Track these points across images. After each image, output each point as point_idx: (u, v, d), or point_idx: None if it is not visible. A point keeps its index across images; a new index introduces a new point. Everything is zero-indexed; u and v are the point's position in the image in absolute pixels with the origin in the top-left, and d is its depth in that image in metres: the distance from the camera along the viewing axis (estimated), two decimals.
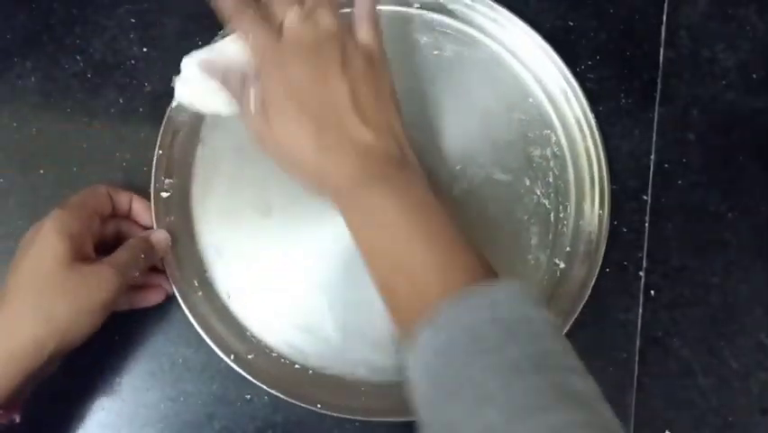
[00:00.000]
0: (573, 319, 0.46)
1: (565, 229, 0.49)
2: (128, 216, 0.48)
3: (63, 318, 0.39)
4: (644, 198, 0.51)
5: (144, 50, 0.52)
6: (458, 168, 0.50)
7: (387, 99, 0.41)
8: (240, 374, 0.46)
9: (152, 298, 0.47)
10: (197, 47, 0.52)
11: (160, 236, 0.46)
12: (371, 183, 0.38)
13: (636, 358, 0.48)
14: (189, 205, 0.49)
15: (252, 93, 0.41)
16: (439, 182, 0.49)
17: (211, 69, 0.43)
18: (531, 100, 0.51)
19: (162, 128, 0.49)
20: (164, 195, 0.48)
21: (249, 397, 0.47)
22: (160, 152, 0.48)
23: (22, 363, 0.38)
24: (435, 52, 0.52)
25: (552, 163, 0.50)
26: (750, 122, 0.52)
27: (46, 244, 0.40)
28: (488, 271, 0.36)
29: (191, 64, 0.44)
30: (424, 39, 0.52)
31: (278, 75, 0.40)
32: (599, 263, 0.48)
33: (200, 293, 0.47)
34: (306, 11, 0.41)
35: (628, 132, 0.52)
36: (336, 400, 0.45)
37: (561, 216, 0.49)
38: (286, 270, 0.48)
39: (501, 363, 0.31)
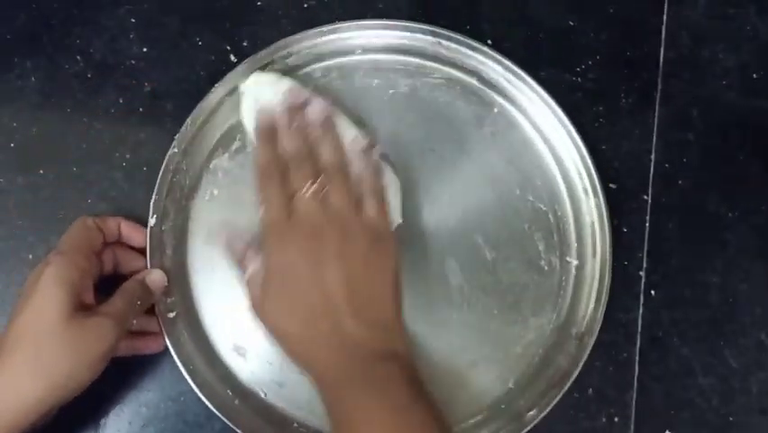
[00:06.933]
0: (603, 315, 0.46)
1: (567, 226, 0.49)
2: (120, 242, 0.47)
3: (63, 374, 0.39)
4: (645, 197, 0.51)
5: (144, 49, 0.52)
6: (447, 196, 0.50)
7: (385, 288, 0.41)
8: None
9: (153, 345, 0.46)
10: (197, 47, 0.52)
11: (154, 277, 0.45)
12: (353, 381, 0.38)
13: (637, 358, 0.49)
14: (185, 247, 0.48)
15: (251, 268, 0.42)
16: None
17: (218, 237, 0.45)
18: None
19: (160, 175, 0.48)
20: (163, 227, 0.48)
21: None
22: (156, 196, 0.47)
23: (22, 418, 0.38)
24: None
25: (534, 164, 0.50)
26: (750, 122, 0.52)
27: (46, 297, 0.39)
28: None
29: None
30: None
31: (278, 256, 0.41)
32: (610, 252, 0.47)
33: (192, 345, 0.47)
34: (316, 187, 0.42)
35: (628, 132, 0.52)
36: None
37: (558, 214, 0.49)
38: None
39: None
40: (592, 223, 0.49)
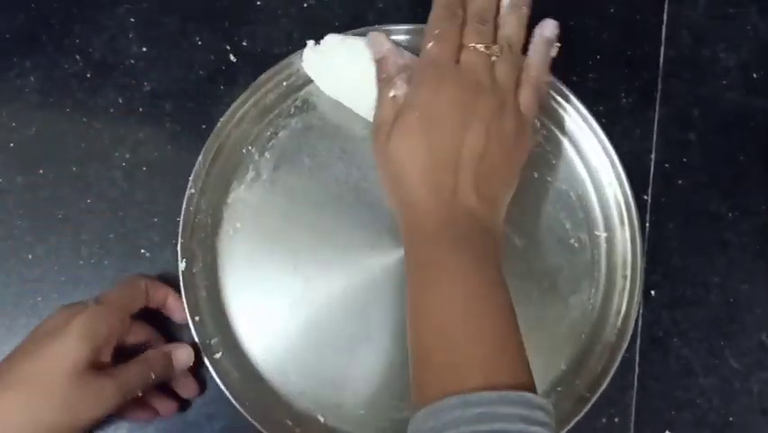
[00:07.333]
0: (642, 282, 0.47)
1: (590, 201, 0.49)
2: (159, 309, 0.46)
3: (52, 427, 0.38)
4: (645, 197, 0.51)
5: (144, 49, 0.52)
6: None
7: (509, 173, 0.42)
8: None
9: (142, 415, 0.45)
10: (197, 47, 0.52)
11: (181, 354, 0.44)
12: (452, 241, 0.38)
13: (637, 358, 0.48)
14: (219, 286, 0.48)
15: (396, 91, 0.43)
16: None
17: (380, 44, 0.45)
18: None
19: (182, 217, 0.47)
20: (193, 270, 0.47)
21: None
22: (182, 240, 0.47)
23: None
24: None
25: (547, 147, 0.50)
26: (751, 122, 0.52)
27: (65, 348, 0.38)
28: (528, 379, 0.36)
29: (335, 41, 0.47)
30: None
31: (428, 93, 0.41)
32: (638, 218, 0.48)
33: (243, 382, 0.46)
34: (490, 52, 0.42)
35: (629, 131, 0.52)
36: None
37: (580, 191, 0.49)
38: (311, 329, 0.48)
39: None
40: (615, 194, 0.49)
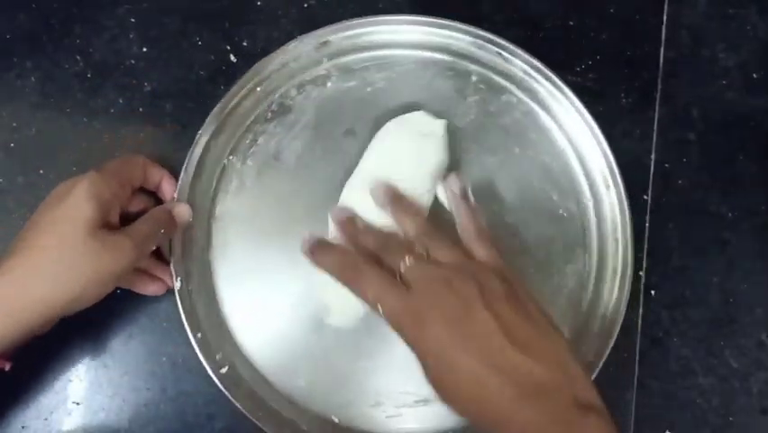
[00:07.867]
0: (633, 243, 0.48)
1: (574, 170, 0.50)
2: (154, 192, 0.47)
3: (76, 286, 0.39)
4: (645, 197, 0.51)
5: (144, 49, 0.52)
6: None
7: (541, 320, 0.38)
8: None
9: (152, 288, 0.46)
10: (197, 47, 0.52)
11: (181, 209, 0.46)
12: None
13: (637, 358, 0.49)
14: (217, 302, 0.48)
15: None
16: None
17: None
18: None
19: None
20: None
21: None
22: (173, 259, 0.47)
23: (27, 321, 0.38)
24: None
25: (526, 122, 0.50)
26: (750, 121, 0.52)
27: (76, 208, 0.40)
28: None
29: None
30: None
31: (423, 343, 0.37)
32: (622, 179, 0.48)
33: (254, 393, 0.46)
34: (419, 252, 0.40)
35: (629, 131, 0.52)
36: None
37: (562, 161, 0.50)
38: (309, 328, 0.48)
39: None
40: (596, 159, 0.49)
